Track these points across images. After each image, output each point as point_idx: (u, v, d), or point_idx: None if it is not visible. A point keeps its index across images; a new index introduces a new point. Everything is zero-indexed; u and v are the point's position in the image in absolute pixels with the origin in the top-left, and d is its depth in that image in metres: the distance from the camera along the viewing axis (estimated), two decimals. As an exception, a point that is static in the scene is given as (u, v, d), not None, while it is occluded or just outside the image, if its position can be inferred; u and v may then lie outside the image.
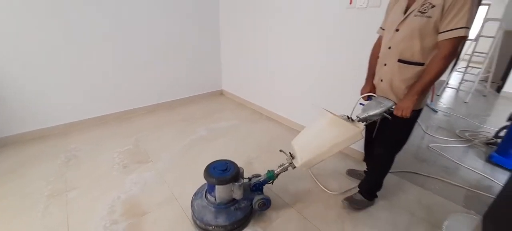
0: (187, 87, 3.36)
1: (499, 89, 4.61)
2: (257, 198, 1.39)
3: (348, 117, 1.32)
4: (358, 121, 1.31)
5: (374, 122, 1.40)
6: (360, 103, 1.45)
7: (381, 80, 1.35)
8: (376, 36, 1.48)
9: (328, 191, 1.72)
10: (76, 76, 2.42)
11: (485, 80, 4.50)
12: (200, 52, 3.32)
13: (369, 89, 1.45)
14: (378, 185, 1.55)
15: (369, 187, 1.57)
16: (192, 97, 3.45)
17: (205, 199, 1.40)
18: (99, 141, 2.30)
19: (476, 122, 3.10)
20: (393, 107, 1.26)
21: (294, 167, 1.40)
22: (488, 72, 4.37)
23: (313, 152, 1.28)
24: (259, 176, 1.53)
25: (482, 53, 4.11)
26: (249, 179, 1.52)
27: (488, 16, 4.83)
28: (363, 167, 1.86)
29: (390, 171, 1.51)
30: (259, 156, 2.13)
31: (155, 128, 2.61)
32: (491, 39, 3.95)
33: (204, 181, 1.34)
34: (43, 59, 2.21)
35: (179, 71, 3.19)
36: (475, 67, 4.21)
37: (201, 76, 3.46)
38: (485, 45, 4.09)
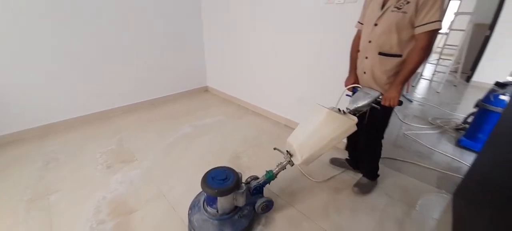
0: (170, 85, 3.30)
1: (468, 79, 4.92)
2: (259, 202, 1.35)
3: (339, 109, 1.36)
4: (349, 113, 1.36)
5: (363, 113, 1.45)
6: (347, 95, 1.51)
7: (364, 72, 1.43)
8: (355, 30, 1.55)
9: (313, 179, 1.79)
10: (53, 76, 2.31)
11: (455, 71, 4.77)
12: (183, 48, 3.27)
13: (353, 80, 1.52)
14: (377, 167, 1.68)
15: (370, 171, 1.69)
16: (176, 95, 3.40)
17: (205, 212, 1.30)
18: (80, 142, 2.22)
19: (447, 109, 3.31)
20: (380, 97, 1.34)
21: (293, 165, 1.40)
22: (458, 63, 4.63)
23: (313, 147, 1.29)
24: (257, 178, 1.51)
25: (453, 45, 4.34)
26: (248, 182, 1.49)
27: (459, 11, 5.08)
28: (345, 155, 1.95)
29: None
30: (246, 150, 2.16)
31: (138, 126, 2.56)
32: (462, 32, 4.14)
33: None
34: (19, 60, 2.09)
35: (161, 69, 3.13)
36: (447, 59, 4.45)
37: (184, 73, 3.41)
38: (456, 38, 4.31)
